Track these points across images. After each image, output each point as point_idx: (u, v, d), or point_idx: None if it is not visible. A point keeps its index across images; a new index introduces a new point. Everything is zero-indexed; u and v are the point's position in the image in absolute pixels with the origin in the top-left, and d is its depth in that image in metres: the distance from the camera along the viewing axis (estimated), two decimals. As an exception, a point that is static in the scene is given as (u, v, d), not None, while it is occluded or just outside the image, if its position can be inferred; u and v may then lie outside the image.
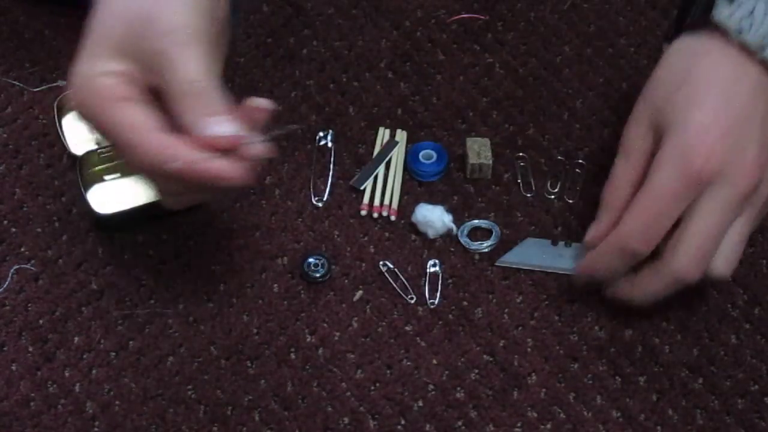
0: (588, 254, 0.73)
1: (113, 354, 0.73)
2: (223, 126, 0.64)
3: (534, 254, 0.77)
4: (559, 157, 0.83)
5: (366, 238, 0.79)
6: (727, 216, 0.68)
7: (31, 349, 0.73)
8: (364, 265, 0.77)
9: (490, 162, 0.81)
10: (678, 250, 0.68)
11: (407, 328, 0.75)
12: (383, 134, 0.84)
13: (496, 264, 0.77)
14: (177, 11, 0.65)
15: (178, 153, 0.63)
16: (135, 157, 0.64)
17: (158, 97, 0.65)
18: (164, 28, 0.64)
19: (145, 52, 0.64)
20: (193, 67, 0.64)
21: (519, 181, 0.82)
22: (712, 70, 0.69)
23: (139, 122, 0.64)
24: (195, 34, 0.65)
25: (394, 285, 0.76)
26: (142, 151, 0.64)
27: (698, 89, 0.69)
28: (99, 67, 0.65)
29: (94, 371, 0.72)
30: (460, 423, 0.71)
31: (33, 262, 0.77)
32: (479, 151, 0.81)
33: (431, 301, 0.76)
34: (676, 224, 0.68)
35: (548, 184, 0.82)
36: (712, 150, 0.67)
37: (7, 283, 0.76)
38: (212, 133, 0.64)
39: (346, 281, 0.76)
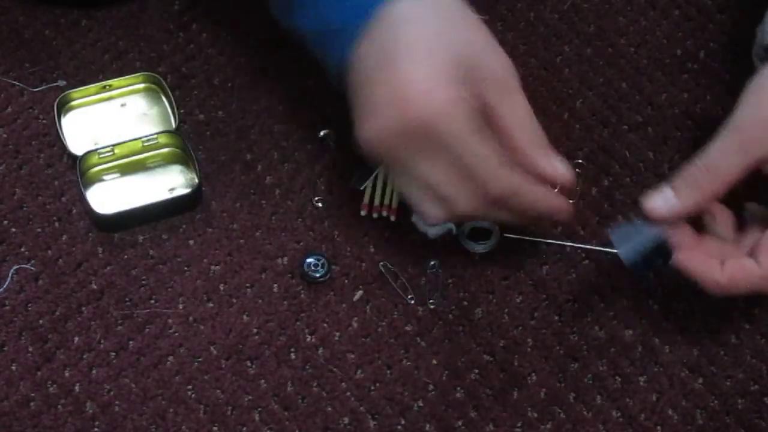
0: (727, 282, 0.68)
1: (113, 354, 0.73)
2: (558, 161, 0.68)
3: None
4: (559, 157, 0.83)
5: (366, 238, 0.79)
6: None
7: (31, 349, 0.73)
8: (364, 265, 0.77)
9: (490, 162, 0.81)
10: None
11: (407, 328, 0.75)
12: (383, 134, 0.84)
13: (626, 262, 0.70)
14: (501, 57, 0.68)
15: (529, 188, 0.67)
16: (484, 188, 0.67)
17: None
18: (502, 61, 0.68)
19: (481, 81, 0.66)
20: (525, 103, 0.68)
21: (519, 181, 0.82)
22: None
23: (494, 155, 0.66)
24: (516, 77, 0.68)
25: (394, 285, 0.76)
26: (495, 183, 0.66)
27: None
28: (455, 90, 0.65)
29: (94, 371, 0.72)
30: (460, 423, 0.71)
31: (33, 262, 0.77)
32: (479, 151, 0.81)
33: (431, 301, 0.76)
34: None
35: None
36: None
37: (7, 283, 0.76)
38: (552, 168, 0.68)
39: (346, 281, 0.76)
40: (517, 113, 0.67)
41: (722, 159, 0.67)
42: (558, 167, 0.68)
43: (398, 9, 0.67)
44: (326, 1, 0.71)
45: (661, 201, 0.68)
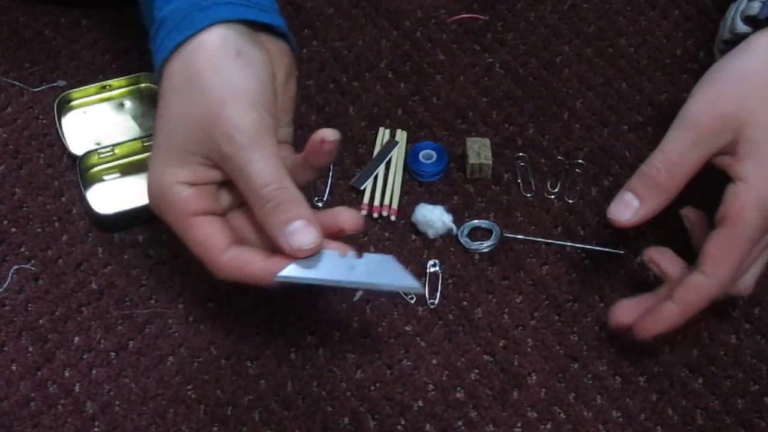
0: (663, 309, 0.68)
1: (113, 354, 0.73)
2: (301, 236, 0.64)
3: (323, 268, 0.66)
4: (559, 157, 0.83)
5: (366, 238, 0.79)
6: None
7: (31, 349, 0.73)
8: (364, 265, 0.77)
9: (490, 162, 0.81)
10: (748, 275, 0.69)
11: (407, 328, 0.75)
12: (383, 134, 0.84)
13: (276, 279, 0.65)
14: (238, 111, 0.65)
15: (248, 271, 0.65)
16: (210, 269, 0.67)
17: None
18: (228, 132, 0.65)
19: (213, 155, 0.65)
20: (259, 170, 0.65)
21: (519, 181, 0.82)
22: None
23: (212, 242, 0.66)
24: (260, 133, 0.65)
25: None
26: (216, 268, 0.66)
27: None
28: (171, 177, 0.66)
29: (94, 371, 0.72)
30: (460, 423, 0.71)
31: (33, 262, 0.77)
32: (479, 151, 0.81)
33: (431, 301, 0.76)
34: None
35: (548, 184, 0.82)
36: None
37: (7, 283, 0.76)
38: (292, 247, 0.64)
39: (346, 281, 0.76)
40: (249, 185, 0.65)
41: (680, 156, 0.67)
42: (297, 240, 0.64)
43: (165, 74, 0.67)
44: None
45: (624, 207, 0.68)
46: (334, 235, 0.67)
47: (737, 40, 0.72)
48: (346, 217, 0.67)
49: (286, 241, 0.64)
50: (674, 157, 0.67)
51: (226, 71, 0.66)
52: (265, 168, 0.64)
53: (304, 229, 0.64)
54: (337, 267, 0.66)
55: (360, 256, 0.66)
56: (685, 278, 0.68)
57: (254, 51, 0.67)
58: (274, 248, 0.66)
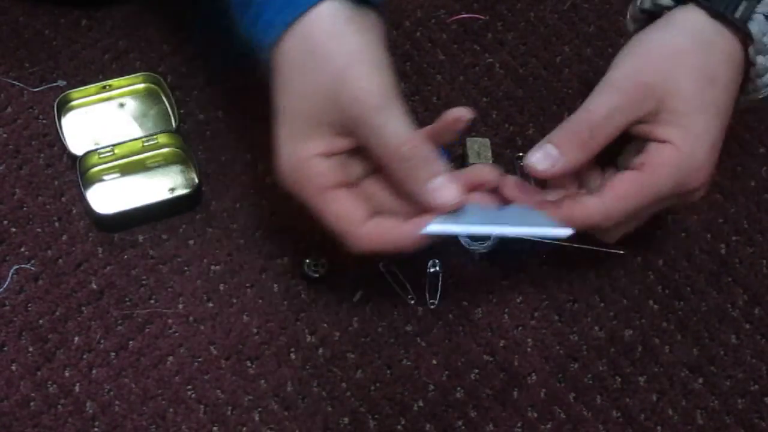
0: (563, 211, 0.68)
1: (113, 354, 0.73)
2: (445, 191, 0.65)
3: (469, 219, 0.66)
4: (559, 157, 0.83)
5: (366, 238, 0.79)
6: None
7: (31, 349, 0.73)
8: (364, 265, 0.77)
9: (490, 162, 0.81)
10: (617, 230, 0.70)
11: (407, 328, 0.75)
12: (383, 134, 0.84)
13: (424, 232, 0.66)
14: (365, 74, 0.65)
15: (390, 239, 0.66)
16: (347, 244, 0.67)
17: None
18: (358, 95, 0.65)
19: (343, 121, 0.65)
20: (394, 130, 0.65)
21: (519, 181, 0.82)
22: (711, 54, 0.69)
23: (351, 215, 0.66)
24: (387, 93, 0.66)
25: (394, 285, 0.76)
26: (355, 241, 0.66)
27: (697, 76, 0.68)
28: (305, 150, 0.66)
29: (94, 371, 0.72)
30: (460, 423, 0.71)
31: (33, 262, 0.77)
32: (479, 151, 0.82)
33: (431, 301, 0.76)
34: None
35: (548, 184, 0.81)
36: (706, 175, 0.68)
37: (7, 283, 0.76)
38: (436, 203, 0.65)
39: (346, 281, 0.76)
40: (385, 146, 0.65)
41: (604, 118, 0.68)
42: (441, 195, 0.65)
43: (279, 52, 0.67)
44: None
45: (544, 158, 0.68)
46: (473, 190, 0.67)
47: (658, 11, 0.72)
48: (485, 172, 0.68)
49: (431, 197, 0.65)
50: (598, 119, 0.68)
51: (346, 39, 0.66)
52: (400, 127, 0.65)
53: (447, 183, 0.65)
54: (483, 217, 0.67)
55: (502, 207, 0.67)
56: (579, 195, 0.69)
57: (366, 19, 0.67)
58: (409, 213, 0.66)
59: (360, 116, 0.65)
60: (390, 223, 0.66)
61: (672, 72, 0.68)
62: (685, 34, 0.70)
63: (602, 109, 0.68)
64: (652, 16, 0.72)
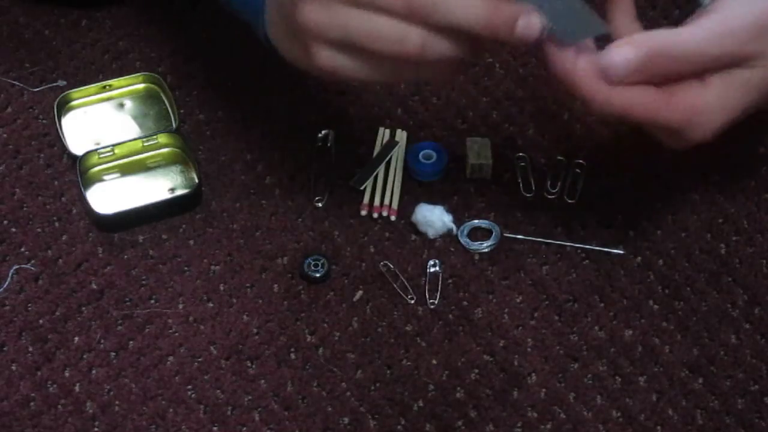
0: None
1: (113, 354, 0.73)
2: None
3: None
4: (559, 157, 0.83)
5: (366, 238, 0.79)
6: None
7: (31, 349, 0.73)
8: (364, 265, 0.77)
9: (490, 162, 0.81)
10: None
11: (407, 328, 0.75)
12: (383, 134, 0.84)
13: None
14: None
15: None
16: None
17: None
18: None
19: None
20: None
21: (519, 181, 0.82)
22: None
23: None
24: None
25: (394, 285, 0.76)
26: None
27: None
28: None
29: (94, 371, 0.72)
30: (460, 423, 0.71)
31: (33, 262, 0.77)
32: (479, 151, 0.82)
33: (431, 301, 0.76)
34: None
35: (548, 184, 0.82)
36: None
37: (7, 283, 0.76)
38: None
39: (346, 281, 0.76)
40: None
41: (699, 46, 0.65)
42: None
43: None
44: None
45: (618, 59, 0.65)
46: None
47: None
48: None
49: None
50: (692, 43, 0.65)
51: None
52: None
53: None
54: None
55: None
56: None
57: None
58: None
59: None
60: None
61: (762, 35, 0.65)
62: None
63: (701, 35, 0.65)
64: None
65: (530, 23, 0.63)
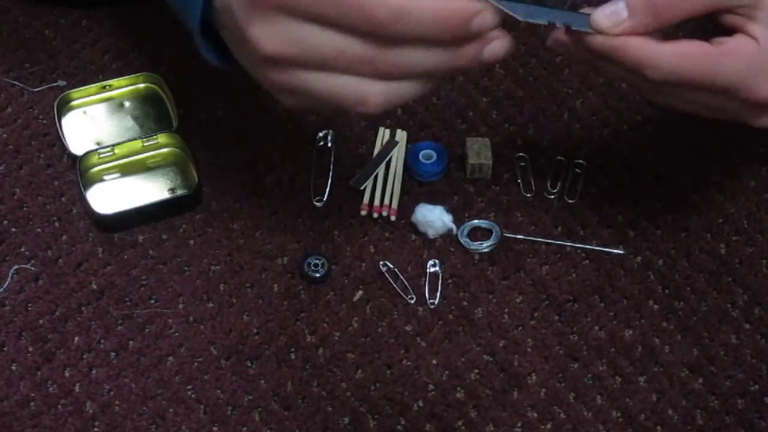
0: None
1: (113, 354, 0.73)
2: None
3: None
4: (559, 157, 0.83)
5: (366, 238, 0.79)
6: None
7: (31, 349, 0.73)
8: (364, 265, 0.77)
9: (490, 162, 0.81)
10: (663, 92, 0.66)
11: (407, 328, 0.75)
12: (383, 134, 0.84)
13: None
14: None
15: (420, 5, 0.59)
16: (369, 18, 0.58)
17: None
18: None
19: None
20: None
21: (519, 181, 0.82)
22: None
23: None
24: None
25: (394, 285, 0.76)
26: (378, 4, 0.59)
27: None
28: None
29: (94, 371, 0.72)
30: (460, 423, 0.71)
31: (33, 262, 0.77)
32: (479, 151, 0.82)
33: (431, 301, 0.76)
34: None
35: (548, 184, 0.82)
36: None
37: (7, 283, 0.76)
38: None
39: (346, 281, 0.76)
40: None
41: None
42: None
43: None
44: None
45: (611, 14, 0.62)
46: None
47: None
48: None
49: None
50: None
51: None
52: None
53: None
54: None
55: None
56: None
57: None
58: None
59: None
60: None
61: None
62: None
63: None
64: None
65: (485, 17, 0.61)
